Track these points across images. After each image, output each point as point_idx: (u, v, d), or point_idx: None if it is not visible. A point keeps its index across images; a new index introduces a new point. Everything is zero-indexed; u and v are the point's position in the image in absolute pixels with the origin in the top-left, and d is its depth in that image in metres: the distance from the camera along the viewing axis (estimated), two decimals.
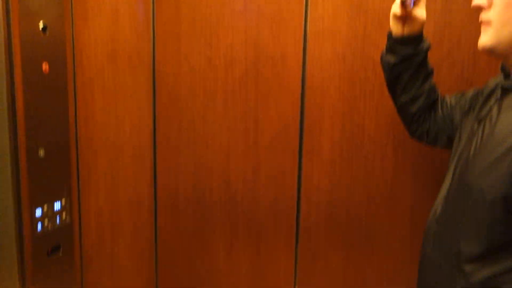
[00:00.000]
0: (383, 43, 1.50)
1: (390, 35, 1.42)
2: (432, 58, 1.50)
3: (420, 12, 1.34)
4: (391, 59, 1.42)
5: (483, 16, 1.14)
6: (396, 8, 1.35)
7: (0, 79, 1.77)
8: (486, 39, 1.13)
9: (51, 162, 1.94)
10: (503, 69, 1.18)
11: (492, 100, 1.20)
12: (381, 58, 1.50)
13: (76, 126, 2.07)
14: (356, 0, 1.77)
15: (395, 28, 1.39)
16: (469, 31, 1.66)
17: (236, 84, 2.00)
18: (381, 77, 1.58)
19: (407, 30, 1.36)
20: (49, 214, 1.96)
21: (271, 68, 1.94)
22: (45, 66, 1.88)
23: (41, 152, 1.88)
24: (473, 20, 1.51)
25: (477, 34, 1.16)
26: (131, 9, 2.08)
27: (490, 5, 1.11)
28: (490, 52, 1.14)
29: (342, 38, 1.82)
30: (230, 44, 1.99)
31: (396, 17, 1.37)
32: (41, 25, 1.85)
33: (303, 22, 1.85)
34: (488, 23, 1.12)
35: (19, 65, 1.79)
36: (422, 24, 1.36)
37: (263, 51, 1.94)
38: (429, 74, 1.45)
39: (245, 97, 2.00)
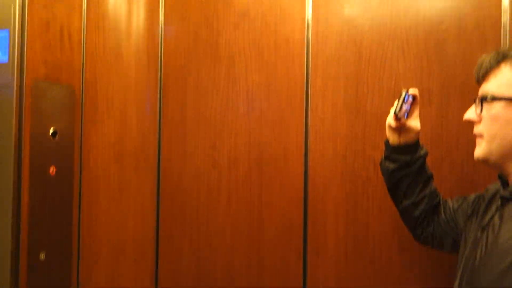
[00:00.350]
0: (382, 144, 1.53)
1: (387, 143, 1.46)
2: (431, 159, 1.53)
3: (414, 123, 1.39)
4: (390, 165, 1.45)
5: (475, 129, 1.19)
6: (390, 120, 1.40)
7: (7, 181, 1.81)
8: (479, 151, 1.17)
9: (52, 265, 1.91)
10: (501, 178, 1.20)
11: (493, 208, 1.20)
12: (380, 164, 1.53)
13: (79, 227, 2.07)
14: (354, 104, 1.85)
15: (392, 137, 1.43)
16: (466, 132, 1.70)
17: (240, 183, 2.03)
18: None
19: (403, 140, 1.40)
20: None
21: (274, 167, 1.97)
22: (52, 169, 1.93)
23: (42, 255, 1.86)
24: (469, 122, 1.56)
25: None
26: (138, 111, 2.17)
27: (480, 120, 1.17)
28: (485, 162, 1.18)
29: (342, 139, 1.87)
30: (233, 145, 2.04)
31: (392, 128, 1.41)
32: (51, 130, 1.92)
33: (303, 124, 1.92)
34: (480, 135, 1.16)
35: (27, 168, 1.84)
36: (417, 133, 1.40)
37: (266, 151, 1.99)
38: (429, 178, 1.47)
39: (248, 195, 2.01)
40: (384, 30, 1.80)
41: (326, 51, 1.90)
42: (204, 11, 2.13)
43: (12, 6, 1.80)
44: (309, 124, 1.91)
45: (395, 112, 1.34)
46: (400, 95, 1.36)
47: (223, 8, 2.10)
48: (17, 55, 1.81)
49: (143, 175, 2.17)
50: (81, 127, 2.09)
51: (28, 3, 1.83)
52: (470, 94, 1.64)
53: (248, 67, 2.05)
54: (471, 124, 1.24)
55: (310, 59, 1.92)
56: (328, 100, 1.89)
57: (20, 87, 1.82)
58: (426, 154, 1.44)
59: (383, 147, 1.53)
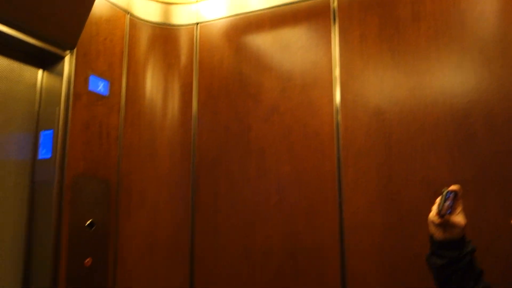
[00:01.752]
0: (419, 234, 1.52)
1: (432, 238, 1.46)
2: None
3: (458, 218, 1.39)
4: (438, 261, 1.43)
5: None
6: (433, 217, 1.40)
7: (44, 272, 1.80)
8: None
9: None
10: None
11: None
12: (427, 260, 1.51)
13: None
14: (388, 195, 1.86)
15: (436, 233, 1.43)
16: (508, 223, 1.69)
17: (273, 275, 2.00)
18: (424, 271, 1.57)
19: (448, 235, 1.40)
20: None
21: (308, 258, 1.95)
22: (87, 260, 1.93)
23: None
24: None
25: None
26: (171, 202, 2.21)
27: None
28: None
29: (378, 229, 1.86)
30: (267, 235, 2.05)
31: (435, 224, 1.41)
32: (88, 221, 1.95)
33: (338, 215, 1.93)
34: None
35: (64, 258, 1.84)
36: (462, 229, 1.40)
37: (300, 241, 1.98)
38: (479, 274, 1.44)
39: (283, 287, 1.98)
40: (413, 123, 1.86)
41: (355, 144, 1.95)
42: (235, 106, 2.24)
43: (57, 108, 1.91)
44: (343, 215, 1.92)
45: (438, 212, 1.35)
46: (442, 194, 1.38)
47: (253, 103, 2.20)
48: (59, 152, 1.89)
49: (175, 267, 2.15)
50: (116, 218, 2.12)
51: (71, 106, 1.94)
52: (507, 183, 1.66)
53: (278, 159, 2.10)
54: None
55: (340, 151, 1.97)
56: (361, 191, 1.91)
57: (61, 181, 1.88)
58: (473, 250, 1.42)
59: (420, 238, 1.52)
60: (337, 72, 2.03)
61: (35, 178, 1.91)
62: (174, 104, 2.35)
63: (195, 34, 2.41)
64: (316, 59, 2.10)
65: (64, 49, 1.95)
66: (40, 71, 1.99)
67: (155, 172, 2.26)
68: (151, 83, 2.34)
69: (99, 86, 2.08)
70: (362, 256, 1.87)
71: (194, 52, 2.39)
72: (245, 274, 2.05)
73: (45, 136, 1.92)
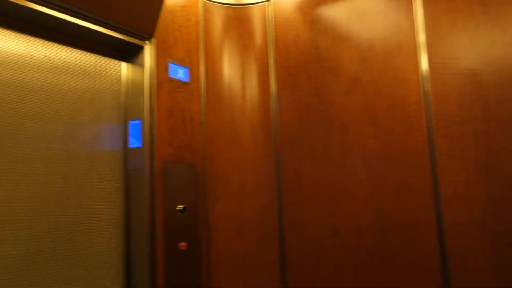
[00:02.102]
0: None
1: None
2: None
3: None
4: None
5: None
6: None
7: (142, 256, 1.90)
8: None
9: None
10: None
11: None
12: None
13: None
14: (489, 163, 1.71)
15: None
16: None
17: (364, 255, 1.94)
18: None
19: None
20: None
21: (402, 235, 1.87)
22: (183, 244, 2.00)
23: None
24: None
25: None
26: (256, 183, 2.22)
27: None
28: None
29: (478, 202, 1.72)
30: (355, 213, 1.98)
31: None
32: (180, 207, 2.01)
33: (432, 189, 1.81)
34: None
35: (161, 243, 1.93)
36: None
37: (391, 218, 1.89)
38: None
39: (376, 268, 1.91)
40: None
41: (447, 111, 1.81)
42: (314, 82, 2.18)
43: (141, 98, 1.98)
44: (438, 188, 1.80)
45: None
46: None
47: (332, 77, 2.13)
48: (148, 140, 1.96)
49: (265, 246, 2.17)
50: (205, 202, 2.17)
51: (154, 94, 2.00)
52: None
53: (362, 134, 2.02)
54: None
55: (432, 121, 1.84)
56: (457, 161, 1.77)
57: (151, 168, 1.95)
58: None
59: None
60: (421, 35, 1.89)
61: (128, 166, 2.01)
62: (252, 85, 2.34)
63: (267, 11, 2.37)
64: (397, 23, 1.97)
65: (143, 39, 2.01)
66: (123, 64, 2.07)
67: (239, 155, 2.28)
68: (228, 65, 2.35)
69: (179, 73, 2.13)
70: (461, 230, 1.75)
71: (268, 30, 2.36)
72: (335, 254, 2.01)
73: (133, 125, 2.00)
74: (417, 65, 1.90)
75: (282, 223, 2.16)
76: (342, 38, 2.13)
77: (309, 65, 2.22)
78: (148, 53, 2.01)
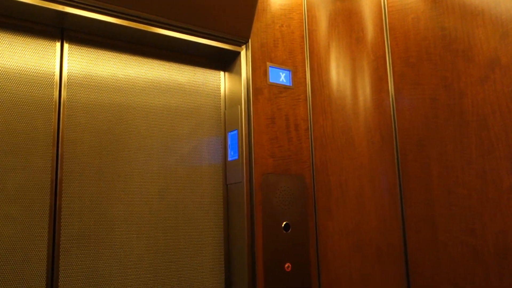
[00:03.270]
0: None
1: None
2: None
3: None
4: None
5: None
6: None
7: (242, 274, 1.77)
8: None
9: None
10: None
11: None
12: None
13: None
14: None
15: None
16: None
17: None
18: None
19: None
20: None
21: None
22: (287, 265, 1.82)
23: None
24: None
25: None
26: (376, 195, 1.91)
27: None
28: None
29: None
30: (500, 230, 1.55)
31: None
32: (283, 224, 1.83)
33: None
34: None
35: (260, 262, 1.77)
36: None
37: None
38: None
39: None
40: None
41: None
42: (440, 71, 1.80)
43: (239, 107, 1.87)
44: None
45: None
46: None
47: (463, 62, 1.72)
48: (245, 152, 1.84)
49: (388, 267, 1.85)
50: (315, 216, 1.95)
51: (252, 102, 1.87)
52: None
53: (508, 129, 1.57)
54: None
55: None
56: None
57: (250, 181, 1.82)
58: None
59: None
60: None
61: (227, 180, 1.91)
62: (365, 83, 2.04)
63: None
64: None
65: (240, 44, 1.90)
66: (220, 72, 1.99)
67: (354, 162, 2.00)
68: (337, 64, 2.09)
69: (281, 77, 1.96)
70: None
71: (383, 18, 2.04)
72: (474, 280, 1.60)
73: (232, 136, 1.90)
74: None
75: (407, 241, 1.81)
76: (474, 12, 1.71)
77: (433, 51, 1.84)
78: (244, 58, 1.89)
